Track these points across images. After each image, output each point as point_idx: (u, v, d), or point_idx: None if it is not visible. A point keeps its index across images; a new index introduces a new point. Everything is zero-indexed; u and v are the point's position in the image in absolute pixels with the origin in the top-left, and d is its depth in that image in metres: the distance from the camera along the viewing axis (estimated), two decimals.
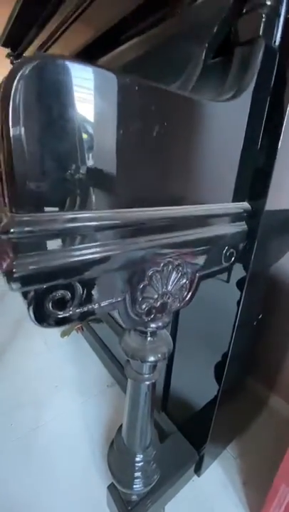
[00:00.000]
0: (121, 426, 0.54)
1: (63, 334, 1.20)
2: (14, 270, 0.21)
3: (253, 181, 0.43)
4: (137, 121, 0.27)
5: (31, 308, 0.24)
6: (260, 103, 0.39)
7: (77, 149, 0.24)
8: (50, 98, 0.22)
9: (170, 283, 0.36)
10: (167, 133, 0.29)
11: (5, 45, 1.03)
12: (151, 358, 0.39)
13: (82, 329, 1.25)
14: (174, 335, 0.69)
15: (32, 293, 0.24)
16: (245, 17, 0.38)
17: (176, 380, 0.75)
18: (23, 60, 0.21)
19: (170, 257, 0.34)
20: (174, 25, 0.50)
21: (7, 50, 1.09)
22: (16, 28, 0.86)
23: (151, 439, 0.52)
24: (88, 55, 0.74)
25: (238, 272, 0.50)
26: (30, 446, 0.81)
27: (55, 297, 0.25)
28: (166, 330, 0.43)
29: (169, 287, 0.36)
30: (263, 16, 0.36)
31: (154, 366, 0.43)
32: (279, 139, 0.40)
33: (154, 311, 0.36)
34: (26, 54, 1.00)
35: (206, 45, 0.41)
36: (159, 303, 0.36)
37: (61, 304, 0.26)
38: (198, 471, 0.72)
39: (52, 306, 0.25)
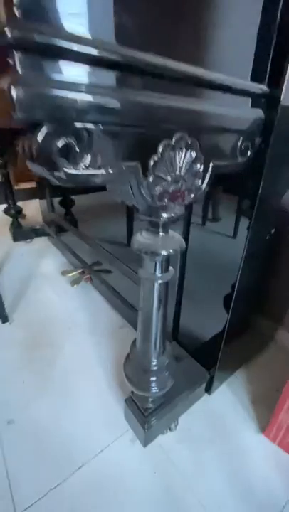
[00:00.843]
0: (135, 340, 0.56)
1: (73, 283, 1.22)
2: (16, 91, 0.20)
3: (271, 65, 0.40)
4: None
5: (41, 154, 0.23)
6: None
7: None
8: None
9: (183, 166, 0.34)
10: None
11: None
12: (163, 252, 0.38)
13: (91, 279, 1.27)
14: (182, 267, 0.70)
15: (39, 136, 0.23)
16: None
17: (185, 311, 0.77)
18: None
19: (182, 132, 0.32)
20: None
21: None
22: None
23: (164, 347, 0.54)
24: None
25: (251, 180, 0.48)
26: (50, 377, 0.86)
27: (62, 143, 0.23)
28: (178, 233, 0.42)
29: (182, 171, 0.34)
30: None
31: (166, 266, 0.43)
32: None
33: (166, 196, 0.34)
34: None
35: None
36: (171, 188, 0.34)
37: (69, 154, 0.24)
38: (208, 389, 0.76)
39: (59, 153, 0.24)
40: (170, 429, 0.70)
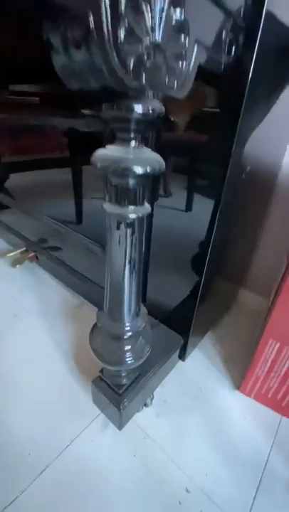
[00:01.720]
0: (102, 307, 0.46)
1: (15, 263, 1.03)
2: None
3: None
4: None
5: None
6: None
7: None
8: None
9: (161, 27, 0.23)
10: None
11: None
12: (138, 169, 0.28)
13: (37, 258, 1.09)
14: (148, 227, 0.60)
15: None
16: None
17: (152, 278, 0.69)
18: None
19: None
20: None
21: None
22: None
23: (139, 308, 0.45)
24: None
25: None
26: None
27: None
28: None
29: (162, 32, 0.24)
30: None
31: (141, 197, 0.33)
32: None
33: (142, 70, 0.24)
34: None
35: None
36: (148, 59, 0.24)
37: None
38: (182, 356, 0.71)
39: None
40: (146, 405, 0.63)
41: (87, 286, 0.86)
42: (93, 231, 0.76)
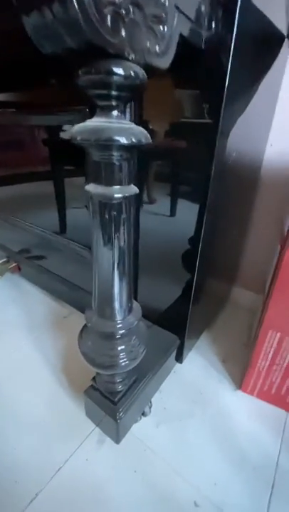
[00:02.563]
0: (90, 307, 0.42)
1: None
2: None
3: None
4: None
5: None
6: None
7: None
8: None
9: None
10: None
11: None
12: (122, 140, 0.26)
13: (19, 269, 1.03)
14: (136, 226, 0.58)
15: None
16: None
17: (143, 280, 0.66)
18: None
19: None
20: None
21: None
22: None
23: (131, 304, 0.41)
24: None
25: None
26: None
27: None
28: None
29: None
30: None
31: (127, 175, 0.30)
32: None
33: (121, 24, 0.22)
34: None
35: None
36: (126, 14, 0.22)
37: None
38: (180, 358, 0.67)
39: None
40: (144, 414, 0.58)
41: (76, 293, 0.81)
42: (79, 237, 0.73)
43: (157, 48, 0.26)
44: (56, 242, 0.77)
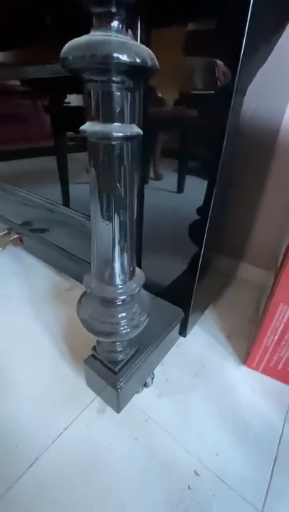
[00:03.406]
0: (89, 272, 0.39)
1: None
2: None
3: None
4: None
5: None
6: None
7: None
8: None
9: None
10: None
11: None
12: (124, 57, 0.21)
13: (21, 241, 1.01)
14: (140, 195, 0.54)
15: None
16: None
17: (147, 252, 0.62)
18: None
19: None
20: None
21: None
22: None
23: (133, 268, 0.38)
24: None
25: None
26: None
27: None
28: None
29: None
30: None
31: (130, 112, 0.25)
32: None
33: None
34: None
35: None
36: None
37: None
38: (183, 331, 0.65)
39: None
40: (146, 385, 0.57)
41: (79, 266, 0.79)
42: (82, 209, 0.69)
43: None
44: (59, 213, 0.73)
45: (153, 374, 0.58)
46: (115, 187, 0.28)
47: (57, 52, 0.23)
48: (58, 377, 0.59)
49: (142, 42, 0.39)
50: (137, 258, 0.64)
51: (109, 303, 0.37)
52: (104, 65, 0.21)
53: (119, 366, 0.46)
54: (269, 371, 0.61)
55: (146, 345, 0.52)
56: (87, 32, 0.22)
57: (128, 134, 0.25)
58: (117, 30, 0.22)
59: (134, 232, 0.35)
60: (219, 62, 0.36)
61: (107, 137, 0.25)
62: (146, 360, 0.50)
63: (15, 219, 0.98)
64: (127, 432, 0.50)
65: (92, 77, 0.23)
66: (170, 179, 0.50)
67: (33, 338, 0.69)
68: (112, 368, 0.46)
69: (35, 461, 0.46)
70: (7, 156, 0.86)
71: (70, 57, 0.22)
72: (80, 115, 0.54)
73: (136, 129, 0.27)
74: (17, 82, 0.66)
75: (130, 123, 0.26)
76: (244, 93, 0.41)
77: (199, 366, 0.64)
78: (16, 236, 0.99)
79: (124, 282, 0.36)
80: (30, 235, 0.93)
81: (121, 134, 0.25)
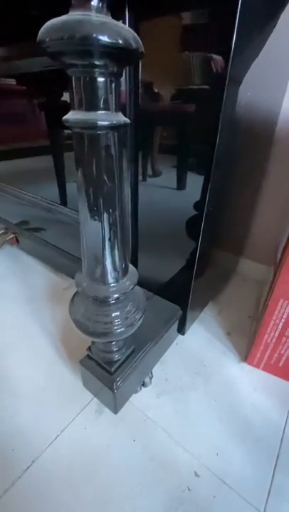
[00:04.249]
0: (80, 271, 0.38)
1: None
2: None
3: None
4: None
5: None
6: None
7: None
8: None
9: None
10: None
11: None
12: (105, 38, 0.19)
13: (17, 241, 1.00)
14: (135, 194, 0.52)
15: None
16: None
17: (143, 250, 0.61)
18: None
19: None
20: None
21: None
22: None
23: (126, 265, 0.37)
24: None
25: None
26: None
27: None
28: None
29: None
30: None
31: (114, 99, 0.24)
32: None
33: None
34: None
35: None
36: None
37: None
38: (182, 329, 0.64)
39: None
40: (144, 385, 0.56)
41: (76, 265, 0.77)
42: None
43: None
44: (56, 212, 0.72)
45: (151, 373, 0.57)
46: (103, 180, 0.27)
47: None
48: (54, 378, 0.58)
49: None
50: (134, 255, 0.62)
51: (101, 302, 0.36)
52: (84, 46, 0.20)
53: (115, 366, 0.45)
54: (270, 368, 0.60)
55: (144, 344, 0.50)
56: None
57: (114, 122, 0.24)
58: (98, 10, 0.20)
59: (125, 228, 0.33)
60: (211, 52, 0.34)
61: (91, 126, 0.24)
62: (143, 360, 0.49)
63: (11, 218, 0.97)
64: (126, 433, 0.49)
65: (72, 61, 0.21)
66: (165, 174, 0.48)
67: (29, 337, 0.68)
68: (108, 368, 0.44)
69: (31, 463, 0.45)
70: (2, 155, 0.84)
71: (47, 40, 0.20)
72: None
73: (122, 118, 0.25)
74: (10, 80, 0.64)
75: (116, 111, 0.25)
76: (239, 83, 0.39)
77: (199, 364, 0.63)
78: (12, 236, 0.98)
79: (117, 280, 0.35)
80: (27, 234, 0.91)
81: (106, 123, 0.24)
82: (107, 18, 0.20)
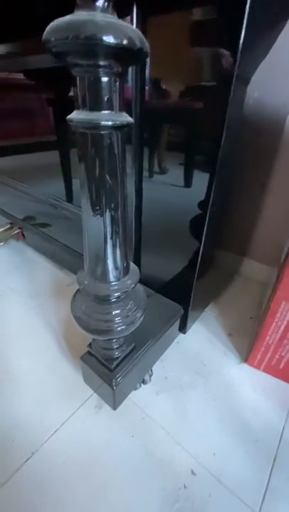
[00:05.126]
0: (82, 268, 0.38)
1: None
2: None
3: None
4: None
5: None
6: None
7: None
8: None
9: None
10: None
11: None
12: (110, 39, 0.19)
13: (23, 236, 1.01)
14: (139, 193, 0.52)
15: None
16: None
17: (146, 248, 0.61)
18: None
19: None
20: None
21: None
22: None
23: (128, 264, 0.37)
24: None
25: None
26: None
27: None
28: None
29: None
30: None
31: (117, 93, 0.24)
32: None
33: None
34: None
35: None
36: None
37: None
38: (183, 328, 0.64)
39: None
40: (144, 382, 0.57)
41: (81, 262, 0.78)
42: None
43: None
44: (62, 208, 0.72)
45: (151, 371, 0.58)
46: (105, 179, 0.27)
47: None
48: (56, 372, 0.59)
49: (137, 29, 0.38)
50: (137, 253, 0.63)
51: (103, 300, 0.36)
52: (89, 46, 0.20)
53: (115, 363, 0.45)
54: (270, 370, 0.60)
55: (144, 341, 0.51)
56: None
57: (118, 122, 0.24)
58: (103, 10, 0.20)
59: (127, 227, 0.34)
60: (218, 50, 0.34)
61: (94, 126, 0.24)
62: (143, 357, 0.49)
63: (17, 213, 0.98)
64: (124, 429, 0.50)
65: (77, 61, 0.21)
66: (171, 172, 0.48)
67: (33, 332, 0.69)
68: (108, 365, 0.45)
69: (31, 456, 0.46)
70: (9, 151, 0.85)
71: (52, 39, 0.20)
72: None
73: (126, 118, 0.25)
74: (18, 75, 0.64)
75: (120, 111, 0.25)
76: (247, 82, 0.39)
77: (199, 363, 0.63)
78: (18, 231, 0.99)
79: (118, 279, 0.35)
80: (33, 229, 0.92)
81: (110, 123, 0.24)
82: (113, 18, 0.20)
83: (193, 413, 0.53)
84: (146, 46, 0.22)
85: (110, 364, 0.45)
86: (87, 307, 0.38)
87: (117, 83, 0.23)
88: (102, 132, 0.24)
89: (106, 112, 0.24)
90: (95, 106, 0.23)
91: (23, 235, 1.01)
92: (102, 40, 0.19)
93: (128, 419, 0.51)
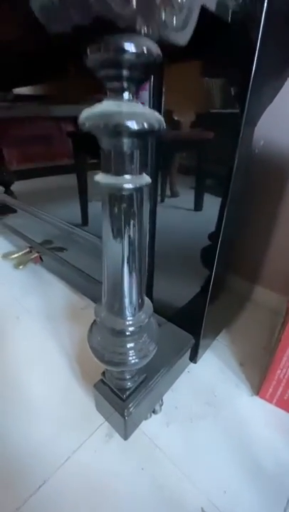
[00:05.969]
0: (100, 301, 0.41)
1: (18, 264, 1.00)
2: None
3: None
4: None
5: None
6: None
7: None
8: None
9: None
10: None
11: None
12: (132, 125, 0.24)
13: (41, 260, 1.06)
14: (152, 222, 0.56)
15: None
16: None
17: (158, 277, 0.64)
18: None
19: None
20: None
21: None
22: None
23: (142, 300, 0.40)
24: None
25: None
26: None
27: None
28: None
29: None
30: None
31: (139, 164, 0.28)
32: None
33: None
34: None
35: None
36: None
37: None
38: (194, 357, 0.65)
39: None
40: (154, 412, 0.57)
41: (94, 286, 0.82)
42: (99, 231, 0.72)
43: (174, 20, 0.23)
44: (76, 236, 0.77)
45: (162, 401, 0.58)
46: (124, 229, 0.31)
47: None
48: (69, 398, 0.61)
49: (154, 85, 0.43)
50: (149, 281, 0.65)
51: (118, 333, 0.38)
52: (116, 132, 0.24)
53: (127, 394, 0.47)
54: (283, 404, 0.59)
55: (155, 371, 0.52)
56: None
57: (137, 185, 0.28)
58: (128, 100, 0.25)
59: (143, 267, 0.37)
60: (228, 103, 0.38)
61: (118, 189, 0.28)
62: (154, 388, 0.51)
63: (36, 238, 1.04)
64: (134, 460, 0.50)
65: (106, 139, 0.26)
66: (184, 197, 0.51)
67: (47, 355, 0.72)
68: (120, 395, 0.46)
69: (43, 483, 0.47)
70: (28, 176, 0.92)
71: (87, 124, 0.25)
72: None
73: (145, 179, 0.29)
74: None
75: (139, 173, 0.29)
76: (254, 125, 0.42)
77: (210, 394, 0.63)
78: (37, 254, 1.04)
79: (133, 315, 0.38)
80: (49, 253, 0.98)
81: (131, 186, 0.28)
82: (136, 107, 0.25)
83: (204, 447, 0.53)
84: (164, 125, 0.26)
85: (123, 394, 0.46)
86: (102, 339, 0.41)
87: (138, 152, 0.27)
88: (123, 193, 0.28)
89: (128, 176, 0.28)
90: (119, 171, 0.27)
91: (41, 258, 1.06)
92: (127, 127, 0.23)
93: (138, 450, 0.52)
